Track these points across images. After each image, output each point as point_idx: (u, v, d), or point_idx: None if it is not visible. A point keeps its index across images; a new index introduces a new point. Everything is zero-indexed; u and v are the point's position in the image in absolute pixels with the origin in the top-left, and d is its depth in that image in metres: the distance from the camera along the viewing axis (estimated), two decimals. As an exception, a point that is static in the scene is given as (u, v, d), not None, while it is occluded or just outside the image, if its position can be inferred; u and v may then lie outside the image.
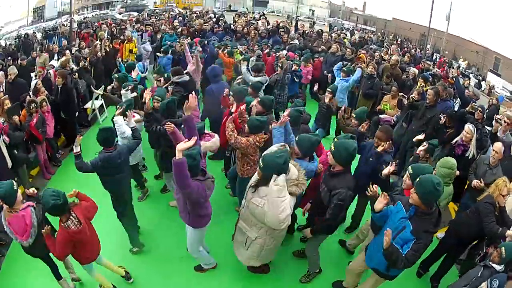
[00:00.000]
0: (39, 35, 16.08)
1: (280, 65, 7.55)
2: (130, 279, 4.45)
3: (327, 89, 6.89)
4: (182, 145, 3.32)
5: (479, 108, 5.91)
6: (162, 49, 9.28)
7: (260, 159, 3.46)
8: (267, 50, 9.77)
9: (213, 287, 4.47)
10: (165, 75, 6.72)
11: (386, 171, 3.94)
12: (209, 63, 7.73)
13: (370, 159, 4.47)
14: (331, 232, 4.06)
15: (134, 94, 6.17)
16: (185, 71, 6.90)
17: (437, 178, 3.07)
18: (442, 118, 5.79)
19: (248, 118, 4.65)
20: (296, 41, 11.26)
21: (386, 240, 3.12)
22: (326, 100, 6.82)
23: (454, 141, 5.47)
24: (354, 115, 5.42)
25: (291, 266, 4.76)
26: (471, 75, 18.43)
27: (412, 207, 3.16)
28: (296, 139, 4.06)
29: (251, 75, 7.05)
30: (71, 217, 3.44)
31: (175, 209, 5.37)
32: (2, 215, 3.49)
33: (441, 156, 5.03)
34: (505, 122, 5.54)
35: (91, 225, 3.77)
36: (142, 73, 8.57)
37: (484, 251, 3.89)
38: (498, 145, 4.71)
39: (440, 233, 4.98)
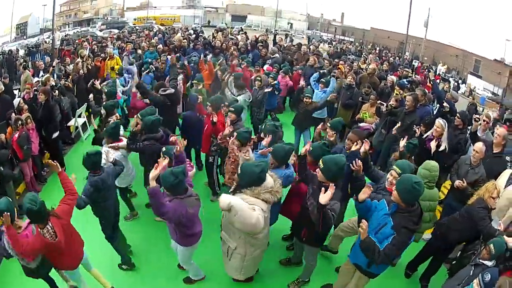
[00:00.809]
0: (21, 52, 16.19)
1: (258, 79, 7.55)
2: None
3: (306, 94, 6.83)
4: (153, 173, 3.39)
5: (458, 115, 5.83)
6: (143, 67, 9.30)
7: (239, 167, 3.58)
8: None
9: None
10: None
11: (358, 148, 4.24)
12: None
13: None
14: (323, 242, 4.21)
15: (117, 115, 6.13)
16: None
17: (416, 177, 3.18)
18: (417, 131, 5.70)
19: (236, 133, 4.82)
20: (277, 55, 11.36)
21: (361, 231, 3.24)
22: (309, 107, 6.76)
23: (424, 135, 5.52)
24: (329, 125, 5.37)
25: (278, 274, 4.79)
26: (451, 79, 18.75)
27: (394, 204, 3.25)
28: (272, 149, 4.29)
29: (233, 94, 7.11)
30: (48, 226, 3.37)
31: (162, 223, 5.27)
32: (4, 238, 3.38)
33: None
34: (484, 120, 5.66)
35: (74, 233, 3.77)
36: (123, 87, 8.61)
37: (479, 251, 3.86)
38: (479, 145, 4.74)
39: (426, 235, 5.01)
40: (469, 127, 6.00)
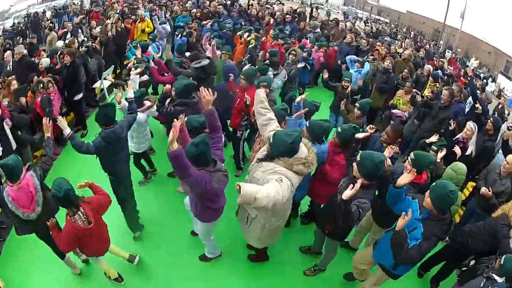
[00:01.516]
0: (48, 14, 15.62)
1: (293, 53, 7.45)
2: (135, 260, 4.42)
3: (345, 78, 6.70)
4: (170, 136, 2.95)
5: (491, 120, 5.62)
6: (176, 31, 9.13)
7: (271, 137, 3.33)
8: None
9: (216, 275, 4.54)
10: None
11: (387, 153, 3.89)
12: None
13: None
14: (344, 237, 4.15)
15: (145, 77, 6.12)
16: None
17: (452, 186, 3.11)
18: (452, 124, 5.72)
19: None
20: (319, 30, 11.16)
21: (401, 222, 3.11)
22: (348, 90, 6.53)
23: (455, 137, 5.49)
24: (358, 105, 5.40)
25: (296, 259, 4.85)
26: (481, 75, 18.33)
27: (426, 210, 3.20)
28: (308, 124, 4.17)
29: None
30: (79, 212, 3.36)
31: (182, 194, 5.49)
32: (5, 193, 3.44)
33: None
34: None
35: (102, 222, 3.71)
36: (156, 53, 8.42)
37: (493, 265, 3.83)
38: (511, 158, 4.59)
39: None
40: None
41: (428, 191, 3.20)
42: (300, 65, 7.54)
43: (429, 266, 4.73)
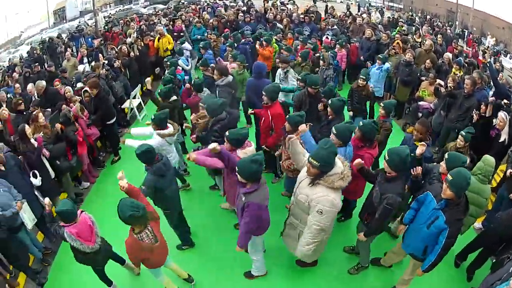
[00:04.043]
0: (63, 36, 15.55)
1: (321, 58, 7.61)
2: (193, 282, 4.58)
3: (361, 76, 6.68)
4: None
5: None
6: (201, 45, 9.12)
7: (312, 159, 3.45)
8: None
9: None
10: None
11: (419, 151, 4.05)
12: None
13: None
14: (379, 233, 4.33)
15: (174, 97, 6.22)
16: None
17: (468, 173, 3.34)
18: (475, 116, 5.89)
19: (288, 116, 4.70)
20: (336, 27, 11.30)
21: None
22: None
23: (493, 123, 5.67)
24: (382, 105, 5.45)
25: (341, 259, 5.01)
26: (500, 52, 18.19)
27: (442, 200, 3.42)
28: (334, 130, 4.25)
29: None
30: (147, 230, 3.43)
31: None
32: (66, 235, 3.57)
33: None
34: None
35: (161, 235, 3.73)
36: (187, 66, 8.90)
37: None
38: None
39: (478, 223, 5.21)
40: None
41: (447, 184, 3.35)
42: (329, 71, 7.76)
43: (465, 255, 4.80)
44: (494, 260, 4.46)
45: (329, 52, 8.66)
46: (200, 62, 7.65)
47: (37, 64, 10.50)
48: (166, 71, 7.53)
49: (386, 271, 4.81)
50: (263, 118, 5.42)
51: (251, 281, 4.69)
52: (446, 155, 3.96)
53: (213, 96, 5.53)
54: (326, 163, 3.42)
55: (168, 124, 5.21)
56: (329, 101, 5.16)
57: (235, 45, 8.87)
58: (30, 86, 7.90)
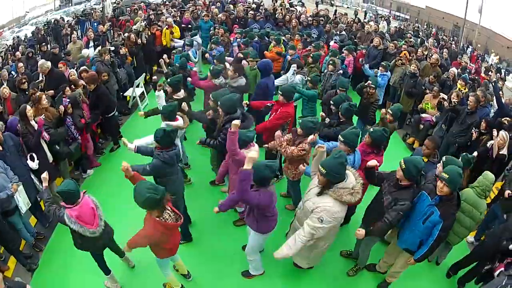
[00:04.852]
0: (68, 19, 15.22)
1: (331, 63, 7.56)
2: (190, 278, 4.57)
3: (370, 84, 6.64)
4: (252, 156, 3.45)
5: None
6: (212, 41, 9.25)
7: (320, 166, 3.53)
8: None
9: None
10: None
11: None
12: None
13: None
14: (383, 236, 4.48)
15: (181, 93, 6.04)
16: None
17: (459, 168, 3.59)
18: (474, 134, 6.03)
19: (301, 121, 4.78)
20: (344, 33, 11.27)
21: None
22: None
23: (489, 144, 5.74)
24: (390, 111, 5.62)
25: (338, 261, 5.04)
26: (502, 70, 18.34)
27: (437, 196, 3.64)
28: (341, 138, 4.31)
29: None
30: (167, 210, 3.39)
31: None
32: (66, 217, 3.45)
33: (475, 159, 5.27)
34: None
35: None
36: (195, 58, 8.75)
37: None
38: None
39: (470, 237, 5.32)
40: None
41: (442, 183, 3.55)
42: (336, 74, 7.67)
43: (459, 268, 4.85)
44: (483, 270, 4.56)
45: (337, 57, 8.63)
46: (216, 56, 7.59)
47: (44, 44, 10.36)
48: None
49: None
50: (273, 113, 5.54)
51: (249, 280, 4.70)
52: (443, 158, 4.11)
53: (225, 91, 5.44)
54: (333, 172, 3.46)
55: (178, 117, 5.17)
56: (340, 107, 5.29)
57: (249, 41, 8.90)
58: (40, 63, 7.28)
